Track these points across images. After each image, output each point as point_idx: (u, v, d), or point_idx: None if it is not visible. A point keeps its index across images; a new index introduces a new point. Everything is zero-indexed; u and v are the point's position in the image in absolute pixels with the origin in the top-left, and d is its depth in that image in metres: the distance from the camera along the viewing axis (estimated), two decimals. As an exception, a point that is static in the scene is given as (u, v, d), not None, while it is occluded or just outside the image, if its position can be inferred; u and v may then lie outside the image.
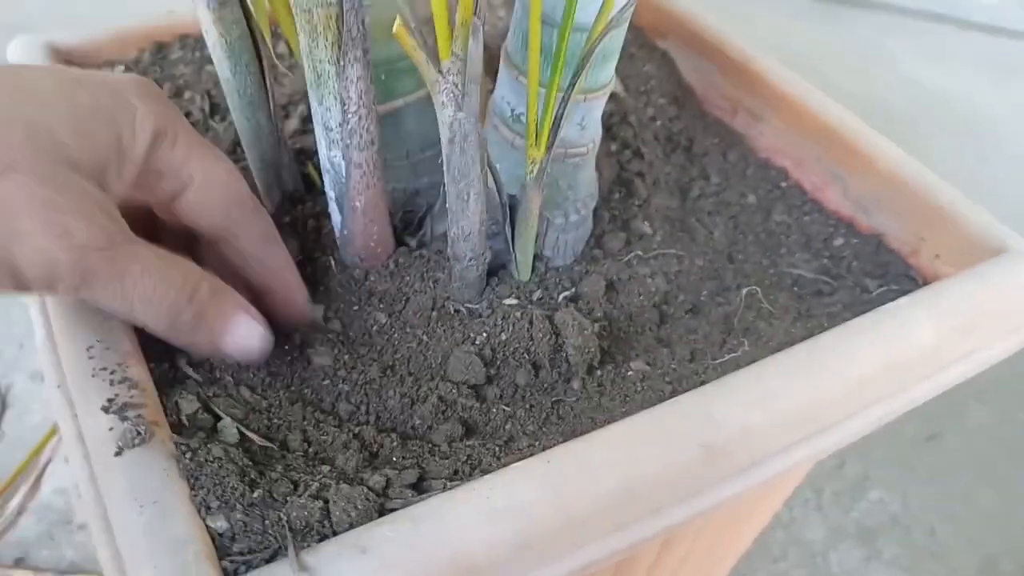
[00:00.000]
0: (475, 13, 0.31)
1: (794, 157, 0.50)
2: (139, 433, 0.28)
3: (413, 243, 0.45)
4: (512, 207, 0.41)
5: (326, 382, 0.38)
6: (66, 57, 0.49)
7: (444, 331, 0.40)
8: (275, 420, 0.35)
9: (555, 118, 0.36)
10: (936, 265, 0.43)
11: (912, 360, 0.35)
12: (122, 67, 0.51)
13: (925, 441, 0.57)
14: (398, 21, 0.31)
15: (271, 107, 0.41)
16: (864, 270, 0.44)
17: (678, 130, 0.54)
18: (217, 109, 0.50)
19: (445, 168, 0.36)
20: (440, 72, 0.32)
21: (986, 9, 1.30)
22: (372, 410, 0.37)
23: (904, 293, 0.41)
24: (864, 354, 0.34)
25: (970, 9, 1.31)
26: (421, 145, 0.45)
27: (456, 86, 0.33)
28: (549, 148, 0.37)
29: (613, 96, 0.55)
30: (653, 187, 0.50)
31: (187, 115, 0.48)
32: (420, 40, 0.32)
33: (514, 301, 0.42)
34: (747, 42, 0.53)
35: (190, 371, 0.35)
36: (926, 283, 0.43)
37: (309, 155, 0.48)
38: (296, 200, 0.44)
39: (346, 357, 0.39)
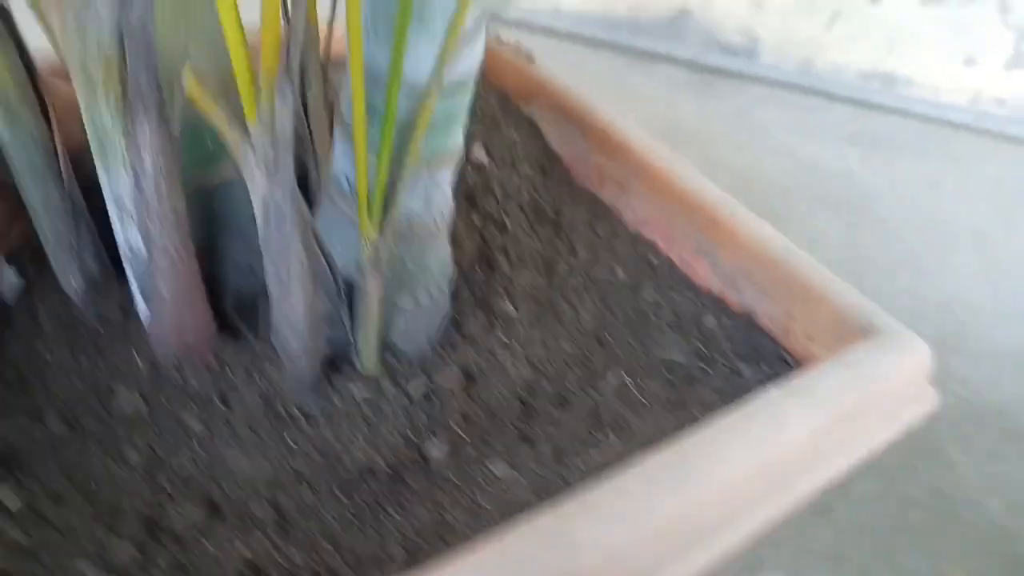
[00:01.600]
0: (283, 71, 0.26)
1: (663, 230, 0.48)
2: None
3: (249, 332, 0.39)
4: (351, 292, 0.36)
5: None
6: None
7: (272, 439, 0.34)
8: (51, 562, 0.28)
9: (388, 189, 0.32)
10: (808, 346, 0.40)
11: (788, 456, 0.32)
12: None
13: (815, 516, 0.55)
14: (190, 78, 0.26)
15: (64, 174, 0.35)
16: (736, 352, 0.42)
17: (545, 200, 0.51)
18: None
19: (263, 249, 0.31)
20: (246, 136, 0.28)
21: (851, 85, 1.37)
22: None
23: (777, 376, 0.39)
24: (737, 454, 0.30)
25: (837, 83, 1.37)
26: (252, 217, 0.40)
27: (265, 153, 0.28)
28: (384, 225, 0.32)
29: (478, 166, 0.52)
30: (518, 263, 0.46)
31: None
32: (222, 101, 0.27)
33: (360, 395, 0.37)
34: (611, 109, 0.51)
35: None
36: (799, 364, 0.40)
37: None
38: (100, 281, 0.38)
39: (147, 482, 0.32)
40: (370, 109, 0.33)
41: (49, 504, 0.31)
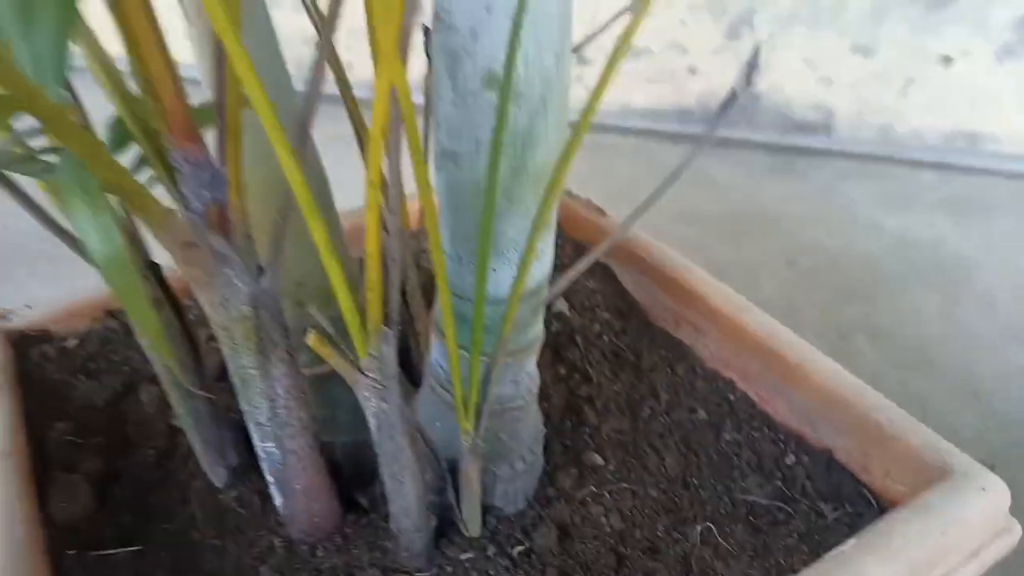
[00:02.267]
0: (385, 321, 0.32)
1: (739, 369, 0.51)
2: None
3: (365, 501, 0.45)
4: (454, 467, 0.41)
5: None
6: (17, 339, 0.51)
7: (393, 608, 0.39)
8: None
9: (481, 387, 0.37)
10: (887, 484, 0.42)
11: (868, 611, 0.34)
12: (74, 341, 0.52)
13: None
14: (312, 334, 0.31)
15: (207, 393, 0.41)
16: (818, 491, 0.44)
17: (625, 345, 0.55)
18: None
19: (378, 452, 0.36)
20: (360, 370, 0.33)
21: (934, 149, 1.36)
22: None
23: (858, 516, 0.41)
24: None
25: (919, 149, 1.37)
26: (367, 398, 0.45)
27: (376, 382, 0.33)
28: (479, 417, 0.37)
29: (559, 315, 0.56)
30: (603, 412, 0.50)
31: (142, 410, 0.49)
32: (337, 345, 0.33)
33: (466, 559, 0.41)
34: (682, 257, 0.55)
35: None
36: (880, 503, 0.42)
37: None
38: (241, 473, 0.44)
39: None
40: (459, 318, 0.38)
41: None
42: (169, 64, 0.26)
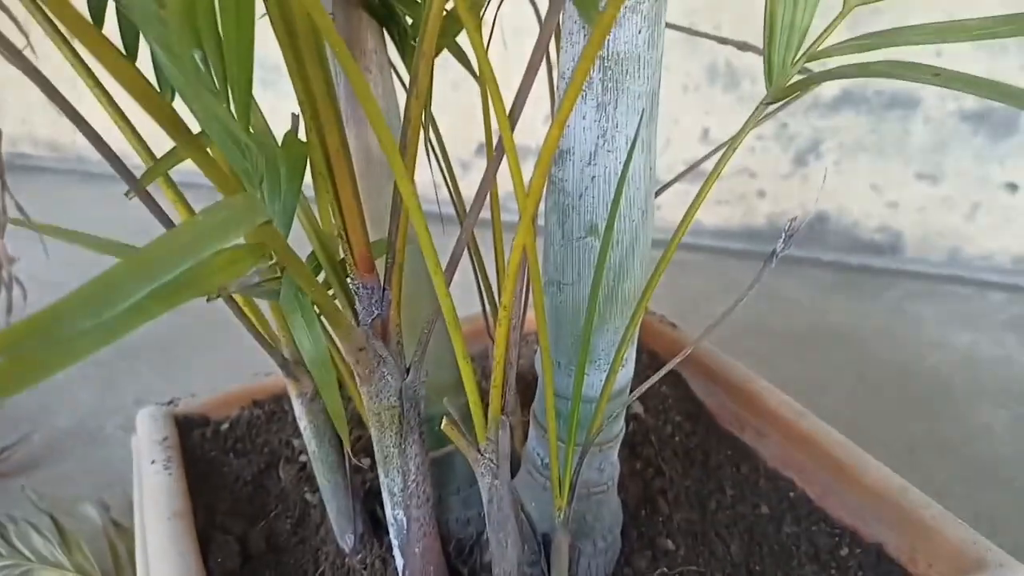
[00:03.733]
0: (503, 412, 0.40)
1: (797, 469, 0.57)
2: None
3: (466, 571, 0.52)
4: (546, 542, 0.48)
5: None
6: (182, 421, 0.61)
7: (493, 662, 0.45)
8: None
9: (575, 472, 0.44)
10: (931, 574, 0.47)
11: None
12: (226, 424, 0.62)
13: None
14: (445, 420, 0.40)
15: (346, 470, 0.50)
16: (869, 581, 0.49)
17: (694, 445, 0.62)
18: (308, 479, 0.59)
19: (487, 521, 0.44)
20: (479, 451, 0.42)
21: (1003, 270, 1.40)
22: None
23: (907, 604, 0.46)
24: None
25: (987, 270, 1.41)
26: (470, 481, 0.53)
27: (491, 463, 0.42)
28: (571, 498, 0.45)
29: (635, 416, 0.64)
30: (675, 503, 0.57)
31: (280, 485, 0.58)
32: (462, 432, 0.41)
33: (555, 626, 0.48)
34: (744, 367, 0.62)
35: None
36: (925, 593, 0.47)
37: (376, 494, 0.57)
38: (365, 541, 0.52)
39: None
40: (557, 414, 0.47)
41: None
42: (361, 215, 0.37)
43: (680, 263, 1.49)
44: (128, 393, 1.11)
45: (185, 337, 1.27)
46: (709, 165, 0.40)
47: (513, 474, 0.52)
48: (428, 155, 0.50)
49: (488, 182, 0.33)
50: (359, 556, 0.51)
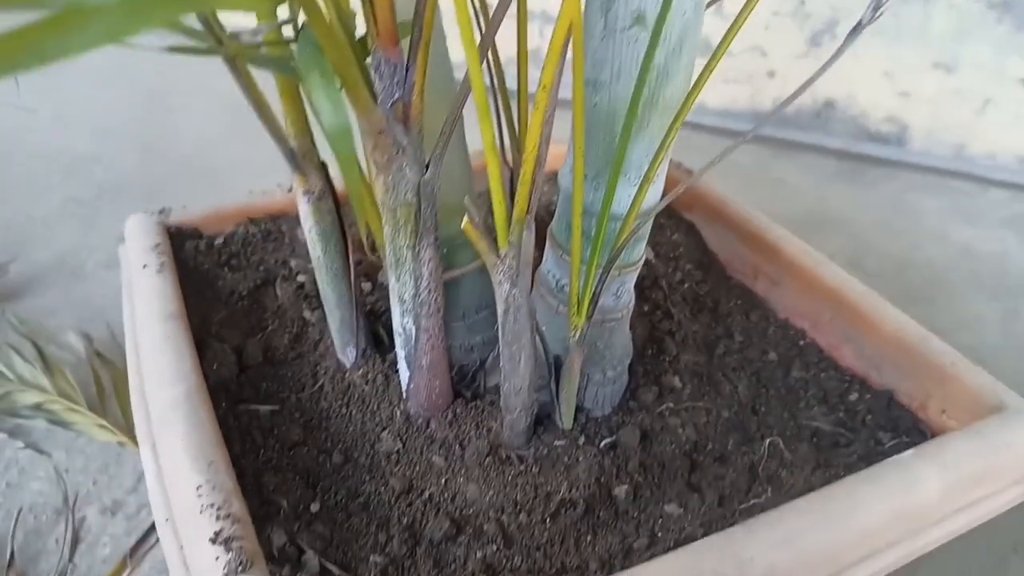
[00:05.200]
0: (528, 211, 0.38)
1: (810, 319, 0.55)
2: (242, 563, 0.33)
3: (468, 394, 0.51)
4: (557, 365, 0.46)
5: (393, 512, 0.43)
6: (174, 232, 0.58)
7: (496, 475, 0.45)
8: (349, 552, 0.39)
9: (595, 292, 0.42)
10: (943, 420, 0.47)
11: (920, 509, 0.39)
12: (220, 239, 0.59)
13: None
14: (466, 219, 0.38)
15: (351, 279, 0.48)
16: (878, 423, 0.48)
17: (704, 292, 0.60)
18: (306, 298, 0.56)
19: (500, 334, 0.42)
20: (499, 256, 0.39)
21: (1007, 168, 1.38)
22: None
23: (914, 445, 0.45)
24: (875, 504, 0.38)
25: (992, 168, 1.39)
26: (476, 307, 0.51)
27: (512, 268, 0.39)
28: (589, 317, 0.43)
29: (645, 262, 0.62)
30: (682, 344, 0.55)
31: (277, 302, 0.56)
32: (484, 231, 0.39)
33: (560, 445, 0.47)
34: (764, 215, 0.60)
35: (283, 503, 0.41)
36: (934, 436, 0.47)
37: (378, 316, 0.55)
38: (367, 357, 0.50)
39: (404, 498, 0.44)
40: (582, 232, 0.44)
41: (339, 512, 0.42)
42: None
43: (681, 141, 1.45)
44: (110, 232, 1.08)
45: (167, 182, 1.22)
46: (717, 38, 0.36)
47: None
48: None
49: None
50: (360, 371, 0.50)
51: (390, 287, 0.43)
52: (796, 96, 0.34)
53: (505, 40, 0.42)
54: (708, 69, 0.35)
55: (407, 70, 0.36)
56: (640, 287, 0.60)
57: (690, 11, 0.37)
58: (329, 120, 0.32)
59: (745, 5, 0.33)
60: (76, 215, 1.14)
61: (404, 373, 0.46)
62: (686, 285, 0.61)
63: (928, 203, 1.30)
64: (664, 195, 0.43)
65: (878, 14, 0.31)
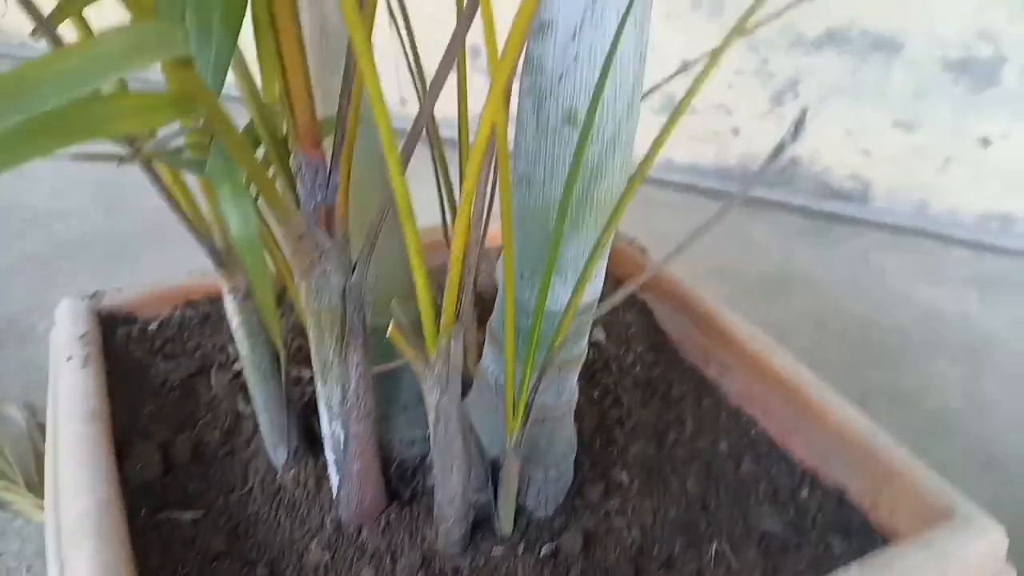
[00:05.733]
0: (457, 319, 0.36)
1: (761, 406, 0.54)
2: None
3: (407, 494, 0.48)
4: (495, 468, 0.44)
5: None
6: (106, 317, 0.56)
7: (429, 588, 0.42)
8: None
9: (530, 394, 0.41)
10: (893, 522, 0.45)
11: (867, 630, 0.37)
12: (155, 324, 0.57)
13: None
14: (392, 325, 0.36)
15: (281, 378, 0.46)
16: (828, 524, 0.47)
17: (656, 376, 0.59)
18: (242, 388, 0.54)
19: (432, 442, 0.40)
20: (427, 363, 0.38)
21: (968, 226, 1.39)
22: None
23: (864, 551, 0.44)
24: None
25: (953, 226, 1.40)
26: (416, 400, 0.49)
27: (441, 376, 0.38)
28: (526, 419, 0.41)
29: (596, 344, 0.60)
30: (631, 434, 0.54)
31: (211, 392, 0.53)
32: (411, 339, 0.37)
33: (498, 554, 0.45)
34: (714, 298, 0.59)
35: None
36: (885, 540, 0.45)
37: (315, 408, 0.52)
38: (299, 457, 0.48)
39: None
40: (517, 329, 0.42)
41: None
42: (308, 84, 0.31)
43: (648, 199, 1.46)
44: (65, 292, 1.05)
45: (131, 239, 1.20)
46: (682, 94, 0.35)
47: (464, 394, 0.48)
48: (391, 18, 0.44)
49: (456, 43, 0.28)
50: (291, 472, 0.47)
51: (317, 391, 0.41)
52: (771, 162, 0.32)
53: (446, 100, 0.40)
54: (669, 127, 0.33)
55: (330, 172, 0.35)
56: (590, 370, 0.59)
57: (623, 109, 0.36)
58: (238, 231, 0.31)
59: (706, 66, 0.32)
60: (30, 273, 1.11)
61: (334, 478, 0.44)
62: (637, 368, 0.59)
63: (892, 261, 1.30)
64: (616, 283, 0.41)
65: (799, 135, 0.30)
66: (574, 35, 0.33)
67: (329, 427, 0.41)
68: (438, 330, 0.37)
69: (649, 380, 0.59)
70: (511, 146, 0.39)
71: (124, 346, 0.55)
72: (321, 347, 0.39)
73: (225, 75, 0.30)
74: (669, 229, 1.32)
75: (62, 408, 0.47)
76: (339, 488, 0.44)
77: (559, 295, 0.41)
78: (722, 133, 1.46)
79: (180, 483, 0.47)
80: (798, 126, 0.27)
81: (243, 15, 0.29)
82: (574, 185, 0.36)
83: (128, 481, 0.46)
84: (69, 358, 0.50)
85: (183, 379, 0.54)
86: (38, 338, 1.00)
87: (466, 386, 0.50)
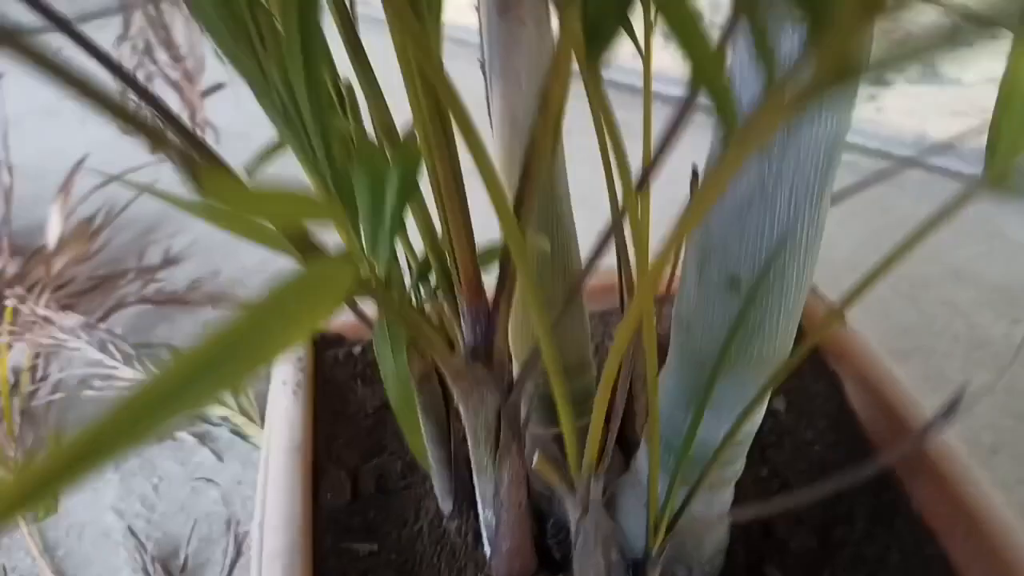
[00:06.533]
0: (599, 460, 0.37)
1: (945, 524, 0.50)
2: None
3: (558, 554, 0.51)
4: (636, 569, 0.46)
5: None
6: (319, 338, 0.63)
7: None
8: None
9: (673, 514, 0.41)
10: None
11: None
12: (359, 347, 0.63)
13: None
14: (538, 457, 0.38)
15: (450, 446, 0.50)
16: None
17: (833, 460, 0.56)
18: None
19: (572, 547, 0.42)
20: (569, 490, 0.39)
21: None
22: None
23: None
24: None
25: None
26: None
27: (582, 500, 0.39)
28: (667, 538, 0.42)
29: (773, 412, 0.58)
30: (795, 525, 0.52)
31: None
32: (560, 471, 0.39)
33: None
34: (910, 390, 0.54)
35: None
36: None
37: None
38: (463, 511, 0.52)
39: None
40: (667, 446, 0.43)
41: None
42: (471, 241, 0.33)
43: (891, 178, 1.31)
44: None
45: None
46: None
47: (627, 463, 0.49)
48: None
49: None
50: (455, 523, 0.52)
51: (475, 482, 0.44)
52: None
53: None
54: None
55: (490, 317, 0.37)
56: (761, 445, 0.57)
57: (792, 278, 0.34)
58: (391, 387, 0.34)
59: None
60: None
61: (487, 548, 0.48)
62: (815, 447, 0.57)
63: None
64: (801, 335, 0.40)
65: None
66: (741, 212, 0.32)
67: (483, 512, 0.45)
68: (581, 461, 0.38)
69: (824, 462, 0.56)
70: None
71: (331, 368, 0.62)
72: (477, 450, 0.42)
73: (391, 251, 0.32)
74: (909, 213, 1.19)
75: (274, 433, 0.54)
76: (490, 558, 0.47)
77: (711, 428, 0.40)
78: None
79: (363, 511, 0.54)
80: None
81: (416, 182, 0.31)
82: (730, 348, 0.35)
83: (320, 508, 0.53)
84: (284, 383, 0.57)
85: (376, 407, 0.60)
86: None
87: (630, 453, 0.51)
